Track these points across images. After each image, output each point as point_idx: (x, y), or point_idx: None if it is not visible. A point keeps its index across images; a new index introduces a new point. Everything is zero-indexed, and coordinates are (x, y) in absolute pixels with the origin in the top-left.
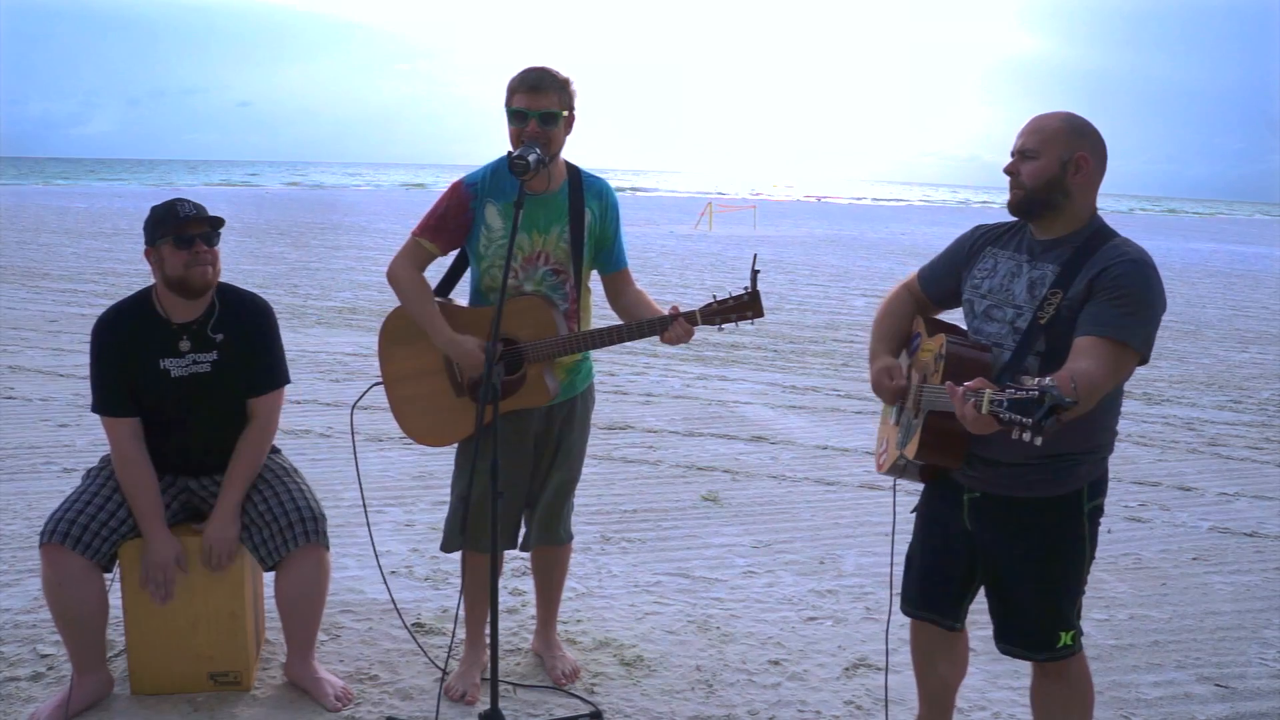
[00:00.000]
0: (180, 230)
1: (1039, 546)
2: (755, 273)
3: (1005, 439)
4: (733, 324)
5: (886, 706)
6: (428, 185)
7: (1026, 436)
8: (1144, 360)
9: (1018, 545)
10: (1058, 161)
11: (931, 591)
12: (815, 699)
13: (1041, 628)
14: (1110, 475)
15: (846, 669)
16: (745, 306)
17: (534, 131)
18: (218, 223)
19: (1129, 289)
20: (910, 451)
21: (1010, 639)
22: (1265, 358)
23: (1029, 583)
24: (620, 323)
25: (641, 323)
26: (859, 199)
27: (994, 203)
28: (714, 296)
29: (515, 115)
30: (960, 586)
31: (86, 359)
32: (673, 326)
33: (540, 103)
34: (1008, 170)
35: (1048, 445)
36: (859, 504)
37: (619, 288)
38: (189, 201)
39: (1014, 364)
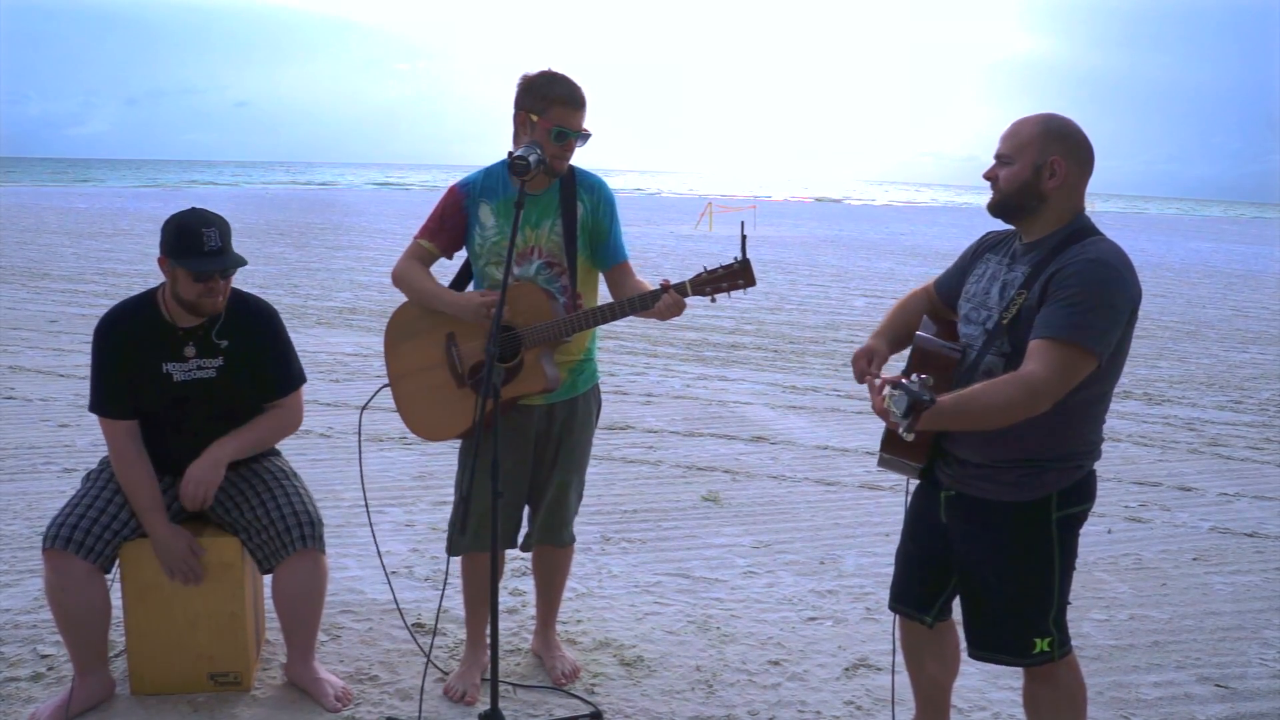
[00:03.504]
0: (202, 265)
1: (1003, 550)
2: (744, 239)
3: (969, 437)
4: (725, 294)
5: (893, 707)
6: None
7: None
8: (1098, 359)
9: (984, 547)
10: (1031, 166)
11: (908, 585)
12: (815, 699)
13: (1009, 633)
14: (1111, 475)
15: (847, 669)
16: (736, 275)
17: (571, 150)
18: (239, 261)
19: (1079, 288)
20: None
21: (978, 643)
22: (1265, 358)
23: (993, 586)
24: (612, 301)
25: (633, 298)
26: (870, 200)
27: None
28: (704, 267)
29: (559, 135)
30: (933, 582)
31: (87, 359)
32: (662, 299)
33: (581, 122)
34: (987, 176)
35: (1011, 450)
36: (859, 504)
37: (620, 280)
38: (215, 229)
39: (975, 364)
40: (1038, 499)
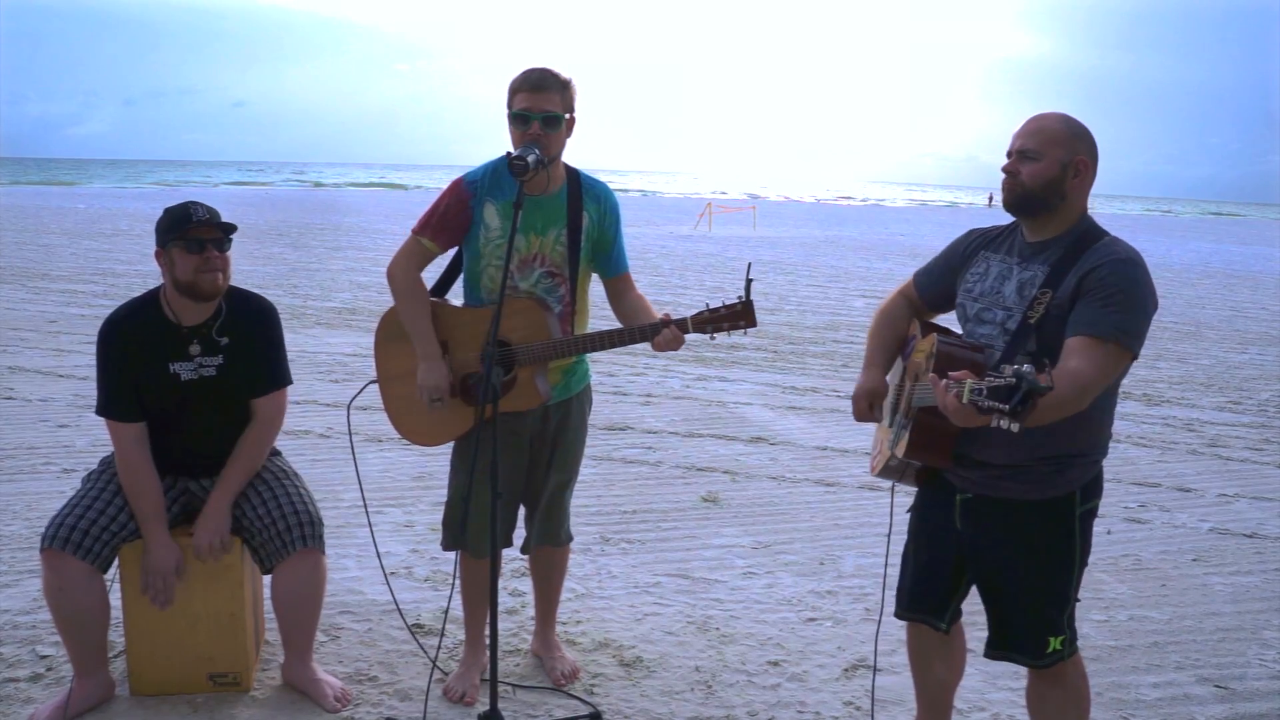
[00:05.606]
0: (192, 234)
1: (1027, 550)
2: (749, 282)
3: (995, 439)
4: (724, 333)
5: (873, 706)
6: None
7: (1004, 424)
8: (1135, 356)
9: (1006, 548)
10: (1058, 164)
11: (921, 593)
12: (814, 700)
13: (1029, 632)
14: (1110, 476)
15: (846, 670)
16: (738, 316)
17: (536, 134)
18: (229, 228)
19: (1117, 287)
20: (900, 450)
21: (999, 643)
22: (1265, 358)
23: (1016, 586)
24: (612, 328)
25: (632, 328)
26: (866, 199)
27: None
28: (707, 305)
29: (517, 118)
30: (948, 588)
31: (87, 360)
32: (662, 333)
33: (543, 104)
34: (1007, 170)
35: (1039, 447)
36: (859, 505)
37: (620, 291)
38: (203, 205)
39: (1003, 363)
40: (1063, 495)
